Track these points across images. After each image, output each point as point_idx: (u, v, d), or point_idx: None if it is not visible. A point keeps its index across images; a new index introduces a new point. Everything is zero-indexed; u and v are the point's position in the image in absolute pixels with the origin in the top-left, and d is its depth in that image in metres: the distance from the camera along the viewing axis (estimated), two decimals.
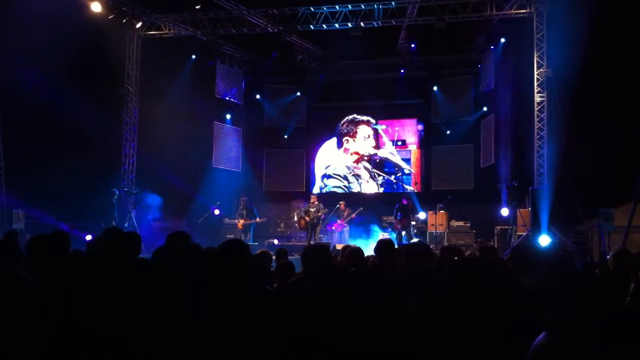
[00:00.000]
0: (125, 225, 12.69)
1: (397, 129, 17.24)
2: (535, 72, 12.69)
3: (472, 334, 2.46)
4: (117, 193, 12.74)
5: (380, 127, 17.27)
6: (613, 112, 10.58)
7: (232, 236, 13.32)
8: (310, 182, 17.76)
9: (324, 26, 13.90)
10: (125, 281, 2.58)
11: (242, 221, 14.26)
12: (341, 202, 15.12)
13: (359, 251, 4.85)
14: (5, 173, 11.70)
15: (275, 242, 14.20)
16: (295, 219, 15.38)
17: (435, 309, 2.77)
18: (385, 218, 15.00)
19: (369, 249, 5.57)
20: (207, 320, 2.43)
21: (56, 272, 2.77)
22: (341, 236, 14.67)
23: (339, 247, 10.69)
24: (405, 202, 14.01)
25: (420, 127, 17.16)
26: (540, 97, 12.74)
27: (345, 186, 17.33)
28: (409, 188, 16.52)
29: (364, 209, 14.88)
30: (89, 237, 5.53)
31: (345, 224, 14.79)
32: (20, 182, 11.40)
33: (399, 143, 17.16)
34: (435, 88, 16.54)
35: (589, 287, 3.57)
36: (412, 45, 14.99)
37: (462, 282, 2.78)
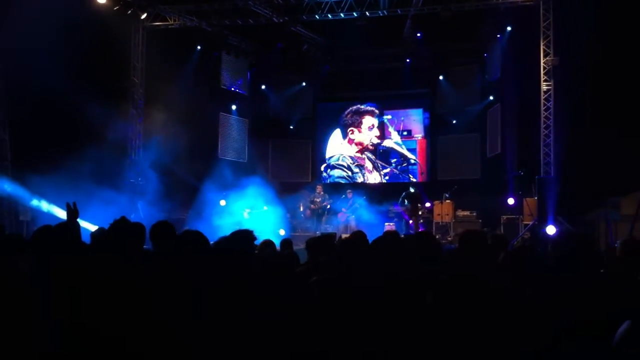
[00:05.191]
0: (132, 216, 12.72)
1: (402, 118, 17.20)
2: (542, 61, 12.62)
3: None
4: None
5: (386, 117, 17.23)
6: (621, 100, 10.50)
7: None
8: (316, 172, 17.76)
9: (329, 16, 13.83)
10: (126, 274, 2.58)
11: (247, 210, 14.30)
12: (349, 191, 15.16)
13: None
14: (13, 165, 11.73)
15: (282, 232, 14.21)
16: (301, 209, 15.40)
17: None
18: (391, 208, 14.99)
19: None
20: (210, 313, 2.44)
21: (61, 264, 2.78)
22: (347, 226, 14.67)
23: (344, 237, 10.65)
24: (412, 191, 13.99)
25: (426, 116, 17.10)
26: (547, 85, 12.68)
27: (349, 176, 17.34)
28: (413, 179, 16.50)
29: (368, 199, 14.88)
30: (93, 228, 5.55)
31: (349, 213, 14.79)
32: (27, 174, 11.42)
33: (405, 133, 17.12)
34: (441, 77, 16.46)
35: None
36: (418, 35, 14.90)
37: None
